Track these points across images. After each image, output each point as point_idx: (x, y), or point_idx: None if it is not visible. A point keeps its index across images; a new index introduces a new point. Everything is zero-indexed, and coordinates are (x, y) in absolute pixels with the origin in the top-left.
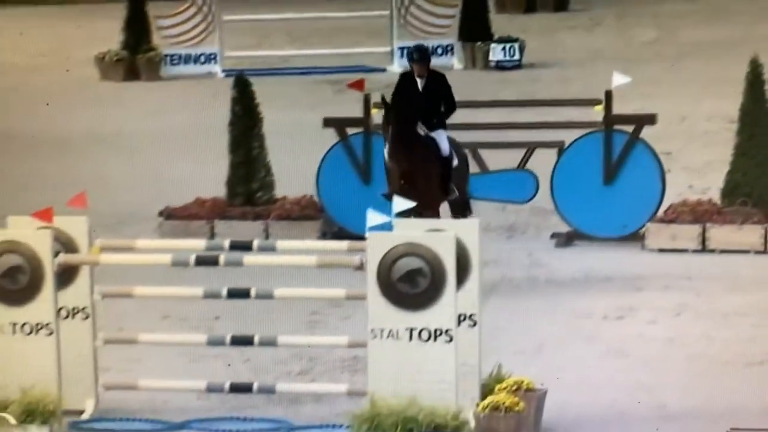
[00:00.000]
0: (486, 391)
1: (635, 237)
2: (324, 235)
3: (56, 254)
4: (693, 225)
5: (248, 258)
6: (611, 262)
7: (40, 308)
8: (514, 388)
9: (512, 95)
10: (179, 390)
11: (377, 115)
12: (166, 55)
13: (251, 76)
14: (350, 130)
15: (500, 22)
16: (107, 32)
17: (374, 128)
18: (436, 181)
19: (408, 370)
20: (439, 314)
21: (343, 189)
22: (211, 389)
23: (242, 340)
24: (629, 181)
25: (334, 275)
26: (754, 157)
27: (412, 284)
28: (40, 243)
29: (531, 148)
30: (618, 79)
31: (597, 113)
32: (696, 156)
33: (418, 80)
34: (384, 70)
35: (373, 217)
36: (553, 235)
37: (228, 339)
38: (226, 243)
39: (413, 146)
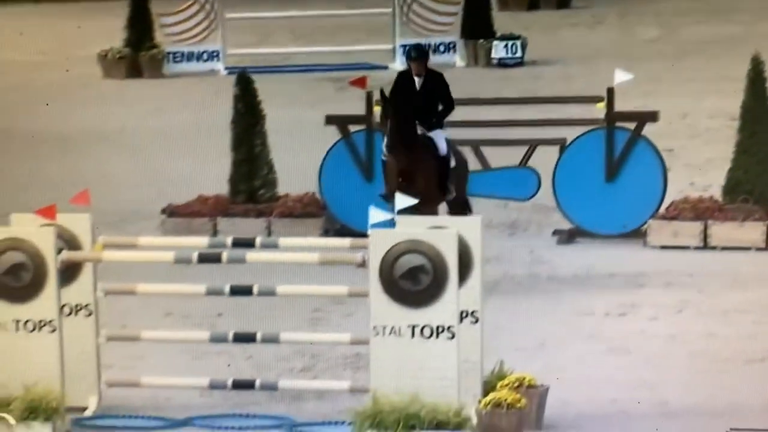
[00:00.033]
0: (488, 387)
1: (637, 234)
2: (326, 233)
3: (59, 251)
4: (694, 222)
5: (251, 255)
6: (613, 259)
7: (43, 305)
8: (516, 384)
9: (514, 92)
10: (182, 387)
11: (379, 113)
12: (168, 53)
13: (253, 73)
14: (352, 128)
15: (502, 20)
16: (110, 30)
17: (376, 126)
18: (434, 180)
19: (410, 367)
20: (441, 311)
21: (346, 186)
22: (214, 386)
23: (245, 337)
24: (631, 178)
25: (336, 272)
26: (756, 155)
27: (414, 281)
28: (44, 240)
29: (533, 145)
30: (620, 77)
31: (599, 110)
32: (697, 153)
33: (416, 79)
34: (386, 68)
35: (376, 214)
36: (555, 232)
37: (230, 336)
38: (229, 240)
39: (412, 144)
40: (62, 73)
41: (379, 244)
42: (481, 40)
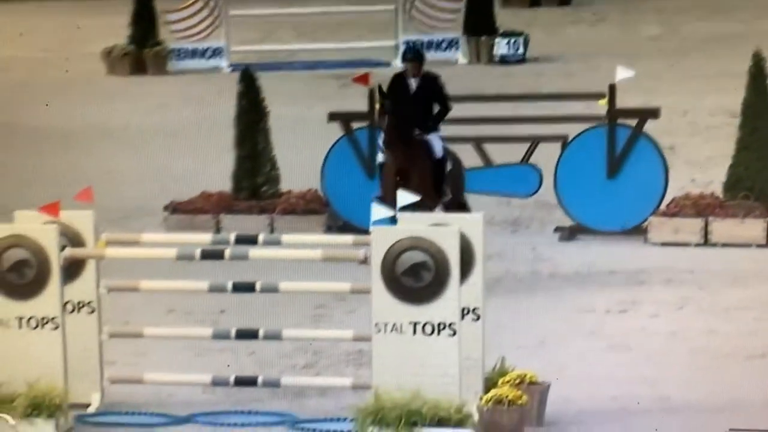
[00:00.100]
0: (489, 384)
1: (638, 231)
2: (329, 229)
3: (62, 248)
4: (695, 219)
5: (253, 252)
6: (614, 256)
7: (46, 302)
8: (517, 381)
9: (516, 89)
10: (184, 383)
11: (377, 110)
12: (172, 50)
13: (257, 70)
14: (355, 125)
15: (505, 17)
16: (114, 27)
17: (378, 123)
18: (429, 181)
19: (412, 363)
20: (443, 308)
21: (348, 183)
22: (216, 383)
23: (247, 334)
24: (632, 175)
25: (338, 269)
26: (757, 151)
27: (416, 278)
28: (47, 237)
29: (535, 141)
30: (621, 73)
31: (601, 107)
32: (698, 150)
33: (412, 81)
34: (389, 65)
35: (378, 211)
36: (557, 229)
37: (233, 333)
38: (232, 237)
39: (410, 142)
40: (66, 69)
41: (381, 240)
42: (484, 37)
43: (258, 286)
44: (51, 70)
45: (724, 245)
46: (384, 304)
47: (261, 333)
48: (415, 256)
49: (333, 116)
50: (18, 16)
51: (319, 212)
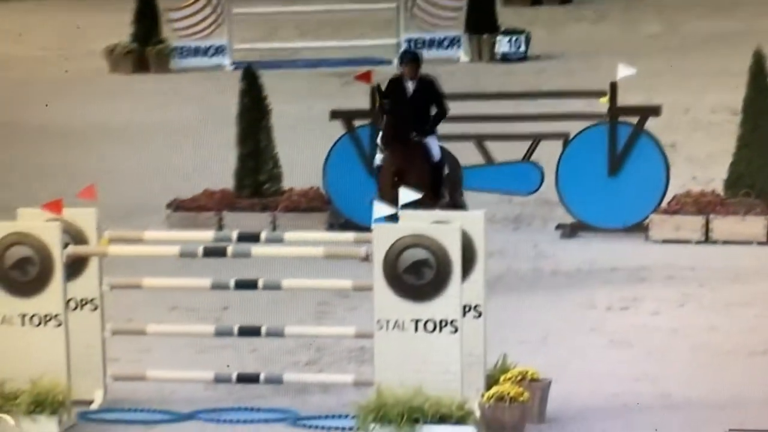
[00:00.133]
0: (491, 381)
1: (639, 228)
2: (331, 227)
3: (65, 246)
4: (696, 216)
5: (256, 249)
6: (615, 253)
7: (49, 299)
8: (518, 378)
9: (518, 87)
10: (187, 380)
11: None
12: (175, 48)
13: (259, 68)
14: (357, 122)
15: (506, 15)
16: (117, 25)
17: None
18: (426, 182)
19: (414, 360)
20: (445, 305)
21: (350, 181)
22: (219, 380)
23: (250, 331)
24: (634, 173)
25: (340, 266)
26: (757, 149)
27: (417, 275)
28: (50, 235)
29: (536, 139)
30: (623, 71)
31: (602, 105)
32: (699, 147)
33: (409, 84)
34: (391, 63)
35: (380, 209)
36: (558, 227)
37: (235, 330)
38: (234, 234)
39: (407, 142)
40: (68, 68)
41: (383, 238)
42: (485, 35)
43: (260, 284)
44: (53, 68)
45: (725, 242)
46: (386, 301)
47: (263, 330)
48: (417, 254)
49: (335, 114)
50: (17, 15)
51: (321, 210)
